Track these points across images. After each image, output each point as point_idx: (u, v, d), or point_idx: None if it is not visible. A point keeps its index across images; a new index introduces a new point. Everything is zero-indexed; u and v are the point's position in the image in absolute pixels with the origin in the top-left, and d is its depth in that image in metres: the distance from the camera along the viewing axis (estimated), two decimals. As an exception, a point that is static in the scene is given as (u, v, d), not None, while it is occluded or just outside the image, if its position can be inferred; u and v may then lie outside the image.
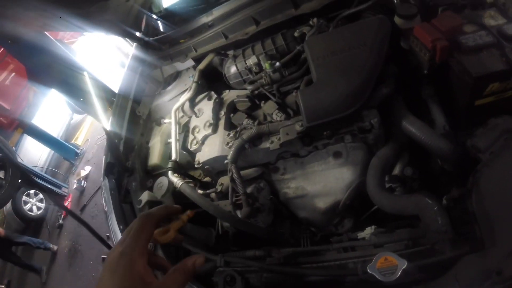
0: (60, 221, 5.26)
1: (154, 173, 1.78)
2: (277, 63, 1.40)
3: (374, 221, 1.22)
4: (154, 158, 1.73)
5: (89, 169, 5.72)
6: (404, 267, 0.83)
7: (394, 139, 1.28)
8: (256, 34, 1.59)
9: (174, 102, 1.83)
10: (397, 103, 1.27)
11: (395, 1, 1.36)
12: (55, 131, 7.08)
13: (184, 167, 1.64)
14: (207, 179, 1.69)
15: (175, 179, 1.44)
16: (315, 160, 1.34)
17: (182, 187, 1.38)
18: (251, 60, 1.47)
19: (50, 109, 6.94)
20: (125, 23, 1.84)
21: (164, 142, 1.80)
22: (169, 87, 2.00)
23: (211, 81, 1.86)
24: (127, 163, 1.71)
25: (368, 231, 1.14)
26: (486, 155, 1.02)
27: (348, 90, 1.19)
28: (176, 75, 2.06)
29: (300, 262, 1.10)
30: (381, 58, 1.23)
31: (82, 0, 1.53)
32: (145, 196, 1.45)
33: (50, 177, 5.73)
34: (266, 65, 1.39)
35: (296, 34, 1.52)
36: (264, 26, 1.58)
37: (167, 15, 2.15)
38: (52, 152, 6.79)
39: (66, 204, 5.36)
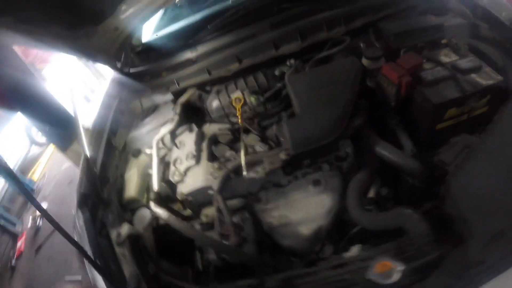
0: (13, 262, 4.62)
1: (130, 207, 1.70)
2: (261, 98, 1.44)
3: (353, 244, 1.25)
4: (131, 190, 1.65)
5: (45, 206, 5.24)
6: (401, 268, 0.89)
7: (367, 165, 1.36)
8: (239, 71, 1.65)
9: (152, 134, 1.80)
10: (368, 132, 1.39)
11: (362, 46, 1.52)
12: (11, 162, 6.56)
13: (163, 200, 1.59)
14: (187, 212, 1.65)
15: (160, 210, 1.39)
16: (296, 189, 1.38)
17: (169, 219, 1.34)
18: (235, 95, 1.51)
19: (7, 138, 6.47)
20: (108, 51, 1.81)
21: (141, 175, 1.73)
22: (147, 119, 1.97)
23: (188, 115, 1.86)
24: (103, 195, 1.62)
25: (354, 250, 1.19)
26: (452, 167, 1.19)
27: (330, 120, 1.31)
28: (154, 108, 2.04)
29: (297, 284, 1.09)
30: (355, 93, 1.36)
31: (73, 21, 1.50)
32: (125, 229, 1.37)
33: (2, 213, 5.21)
34: (251, 99, 1.43)
35: (276, 72, 1.60)
36: (247, 64, 1.65)
37: (146, 49, 2.17)
38: (7, 185, 6.23)
39: (19, 243, 4.82)
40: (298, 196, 1.37)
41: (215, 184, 1.38)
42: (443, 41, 1.46)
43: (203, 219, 1.43)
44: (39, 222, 5.02)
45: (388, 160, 1.30)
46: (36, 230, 4.96)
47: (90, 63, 5.25)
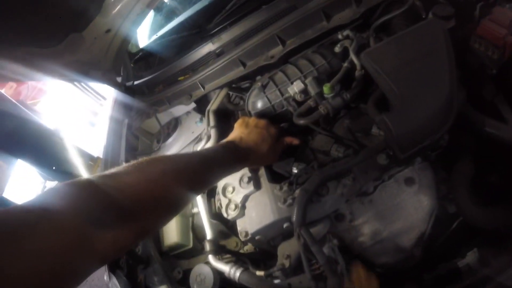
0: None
1: (173, 253, 1.26)
2: (337, 86, 0.98)
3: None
4: (172, 235, 1.22)
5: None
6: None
7: (465, 150, 1.08)
8: (284, 56, 1.19)
9: (182, 157, 1.33)
10: (471, 110, 1.04)
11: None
12: (29, 202, 6.08)
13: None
14: (247, 247, 1.21)
15: (224, 266, 1.00)
16: (385, 194, 1.05)
17: (241, 278, 0.97)
18: (296, 87, 1.04)
19: (20, 180, 6.00)
20: (103, 64, 1.35)
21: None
22: (170, 139, 1.52)
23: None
24: (137, 250, 1.17)
25: (473, 257, 1.00)
26: None
27: (442, 103, 0.89)
28: (176, 123, 1.58)
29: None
30: (454, 63, 0.96)
31: (48, 33, 1.06)
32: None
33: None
34: (325, 89, 0.97)
35: (337, 49, 1.14)
36: (293, 45, 1.18)
37: (149, 54, 1.70)
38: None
39: None
40: (390, 202, 1.05)
41: (290, 213, 0.96)
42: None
43: (285, 262, 0.99)
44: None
45: (503, 141, 0.99)
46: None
47: (85, 83, 4.73)
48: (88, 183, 0.59)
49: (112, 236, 0.55)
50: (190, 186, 0.76)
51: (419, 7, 1.14)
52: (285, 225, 1.00)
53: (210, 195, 1.23)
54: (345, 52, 1.14)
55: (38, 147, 2.27)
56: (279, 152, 1.07)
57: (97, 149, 2.85)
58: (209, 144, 1.20)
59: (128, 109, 1.68)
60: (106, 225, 0.55)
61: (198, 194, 1.10)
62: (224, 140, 1.04)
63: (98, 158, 2.66)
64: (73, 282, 0.50)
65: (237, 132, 1.04)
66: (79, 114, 5.20)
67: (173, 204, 0.72)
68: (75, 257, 0.49)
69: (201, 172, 0.81)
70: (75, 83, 4.61)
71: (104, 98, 5.06)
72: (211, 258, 1.04)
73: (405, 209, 1.06)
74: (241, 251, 1.22)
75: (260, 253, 1.19)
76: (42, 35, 1.11)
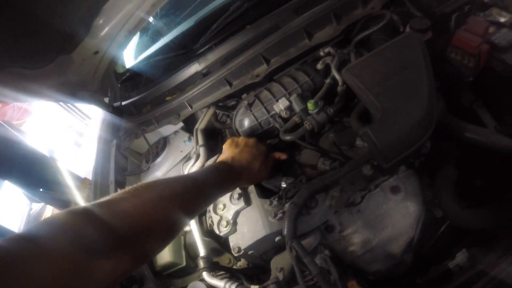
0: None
1: (166, 272, 1.23)
2: (320, 102, 1.00)
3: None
4: (165, 254, 1.19)
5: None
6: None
7: (449, 155, 1.11)
8: (268, 75, 1.20)
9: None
10: (449, 118, 1.08)
11: (396, 19, 1.20)
12: (15, 225, 5.85)
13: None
14: (240, 263, 1.20)
15: (219, 282, 0.99)
16: (373, 204, 1.07)
17: None
18: (281, 104, 1.05)
19: (5, 203, 5.77)
20: (91, 85, 1.33)
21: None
22: (159, 159, 1.51)
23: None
24: (130, 271, 1.14)
25: (462, 257, 1.00)
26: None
27: (421, 114, 0.92)
28: (164, 143, 1.57)
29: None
30: (432, 73, 0.99)
31: (38, 55, 1.05)
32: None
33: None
34: (309, 106, 0.99)
35: (319, 66, 1.16)
36: (277, 64, 1.20)
37: (136, 75, 1.69)
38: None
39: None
40: (377, 211, 1.07)
41: (281, 226, 0.96)
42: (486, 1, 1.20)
43: (279, 275, 0.98)
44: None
45: (484, 145, 1.03)
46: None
47: (72, 104, 4.65)
48: (85, 212, 0.58)
49: (111, 264, 0.55)
50: (187, 210, 0.76)
51: (397, 22, 1.18)
52: (276, 239, 1.00)
53: (202, 213, 1.22)
54: (327, 69, 1.17)
55: (25, 169, 2.20)
56: (270, 169, 1.08)
57: (84, 170, 2.78)
58: (199, 163, 1.20)
59: (116, 130, 1.66)
60: (104, 253, 0.54)
61: (194, 217, 1.09)
62: (217, 161, 1.04)
63: (85, 179, 2.59)
64: None
65: (228, 152, 1.05)
66: (65, 135, 5.08)
67: (170, 229, 0.71)
68: (73, 286, 0.49)
69: (197, 195, 0.81)
70: (61, 103, 4.54)
71: (89, 118, 4.97)
72: (205, 275, 1.02)
73: (392, 217, 1.07)
74: (235, 267, 1.20)
75: (253, 268, 1.18)
76: (31, 57, 1.09)
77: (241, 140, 1.08)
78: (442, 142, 1.10)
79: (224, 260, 1.21)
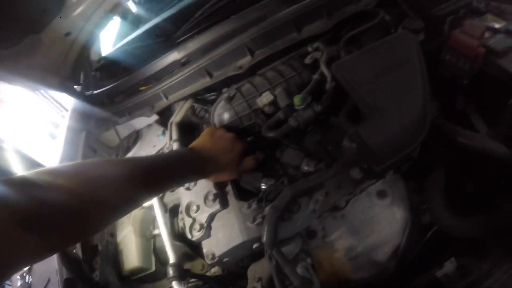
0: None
1: (134, 277, 1.10)
2: (308, 98, 0.91)
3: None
4: (132, 258, 1.07)
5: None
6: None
7: (439, 159, 1.05)
8: (252, 67, 1.10)
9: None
10: (442, 121, 1.02)
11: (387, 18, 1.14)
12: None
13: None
14: (214, 270, 1.09)
15: None
16: (358, 209, 1.00)
17: None
18: (265, 99, 0.95)
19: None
20: (61, 70, 1.20)
21: (140, 233, 1.13)
22: (130, 154, 1.37)
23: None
24: (93, 275, 1.01)
25: (450, 266, 0.92)
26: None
27: (415, 113, 0.85)
28: (136, 137, 1.44)
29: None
30: (426, 73, 0.93)
31: (2, 35, 0.95)
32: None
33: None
34: (295, 101, 0.90)
35: (307, 61, 1.07)
36: (262, 56, 1.10)
37: (111, 62, 1.55)
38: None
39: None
40: (362, 216, 1.00)
41: (260, 233, 0.85)
42: (481, 6, 1.16)
43: (256, 286, 0.88)
44: (29, 279, 4.24)
45: (476, 150, 0.97)
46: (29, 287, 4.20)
47: (46, 92, 4.39)
48: (22, 181, 0.55)
49: (45, 236, 0.52)
50: (129, 194, 0.68)
51: (389, 22, 1.11)
52: (254, 246, 0.91)
53: (173, 215, 1.11)
54: (315, 64, 1.07)
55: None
56: (241, 170, 0.99)
57: (55, 162, 2.60)
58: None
59: (87, 120, 1.52)
60: (37, 225, 0.51)
61: (140, 204, 0.98)
62: (186, 147, 0.96)
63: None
64: None
65: (201, 140, 0.97)
66: (38, 125, 4.80)
67: (106, 213, 0.65)
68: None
69: (146, 181, 0.72)
70: (36, 92, 4.28)
71: (66, 109, 4.72)
72: (175, 284, 0.91)
73: (378, 223, 1.00)
74: (208, 273, 1.10)
75: (228, 275, 1.08)
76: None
77: (219, 131, 1.00)
78: (432, 146, 1.05)
79: (197, 265, 1.11)
